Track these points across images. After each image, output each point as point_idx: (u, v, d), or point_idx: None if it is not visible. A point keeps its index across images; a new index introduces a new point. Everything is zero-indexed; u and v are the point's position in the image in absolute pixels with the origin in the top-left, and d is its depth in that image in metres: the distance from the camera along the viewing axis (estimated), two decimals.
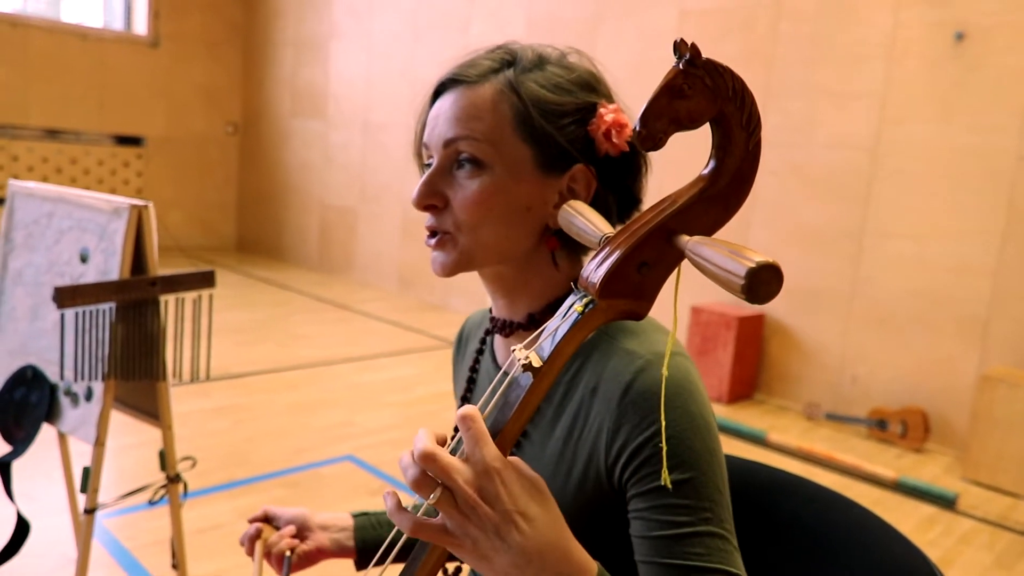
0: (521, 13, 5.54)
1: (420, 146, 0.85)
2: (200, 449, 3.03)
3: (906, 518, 3.01)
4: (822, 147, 4.14)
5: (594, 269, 0.61)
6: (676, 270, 0.61)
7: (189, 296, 1.73)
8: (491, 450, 0.56)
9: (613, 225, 0.81)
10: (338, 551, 1.02)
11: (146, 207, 1.64)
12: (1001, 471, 3.36)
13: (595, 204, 0.80)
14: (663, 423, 0.71)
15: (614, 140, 0.79)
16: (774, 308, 4.36)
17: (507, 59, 0.81)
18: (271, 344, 4.72)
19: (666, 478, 0.69)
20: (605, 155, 0.80)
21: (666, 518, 0.70)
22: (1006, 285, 3.60)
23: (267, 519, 1.03)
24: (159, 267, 1.67)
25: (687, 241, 0.57)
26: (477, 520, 0.55)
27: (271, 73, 7.77)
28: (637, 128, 0.57)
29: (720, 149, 0.59)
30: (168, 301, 1.69)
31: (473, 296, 5.86)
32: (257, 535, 1.00)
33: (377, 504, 2.75)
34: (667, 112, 0.57)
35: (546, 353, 0.60)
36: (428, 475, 0.55)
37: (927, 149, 3.81)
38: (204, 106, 7.84)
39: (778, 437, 3.65)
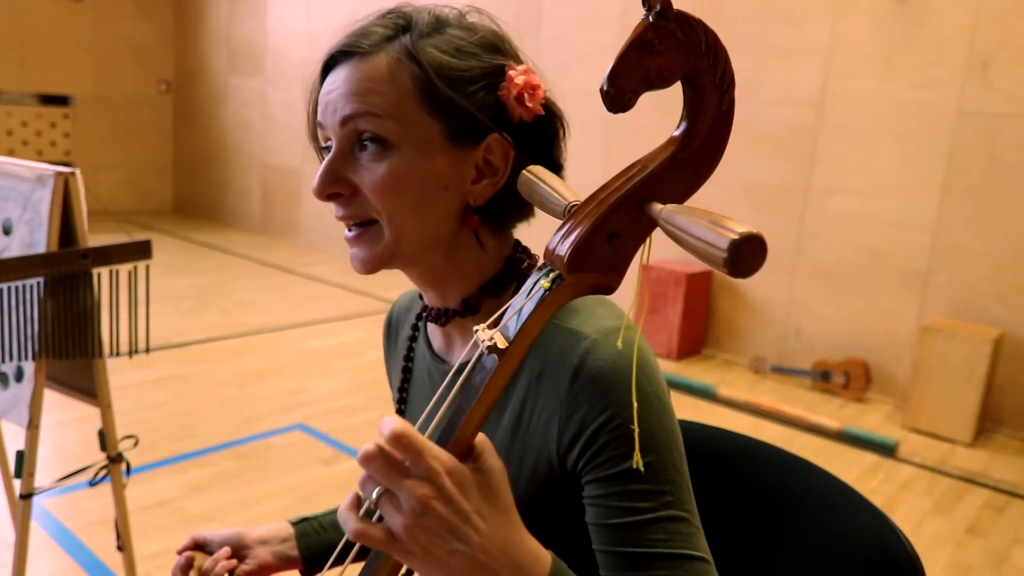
0: None
1: (315, 127, 0.78)
2: (142, 423, 2.94)
3: (849, 467, 3.11)
4: (769, 104, 4.15)
5: (560, 241, 0.56)
6: (647, 240, 0.58)
7: (124, 267, 1.64)
8: (434, 456, 0.52)
9: None
10: (282, 563, 0.95)
11: (73, 174, 1.54)
12: (939, 419, 3.48)
13: (515, 172, 0.74)
14: (628, 405, 0.67)
15: (528, 104, 0.73)
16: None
17: (401, 24, 0.74)
18: (214, 311, 4.59)
19: (638, 460, 0.66)
20: (519, 121, 0.74)
21: (625, 504, 0.67)
22: (944, 239, 3.69)
23: (197, 546, 0.93)
24: (91, 236, 1.58)
25: (660, 210, 0.53)
26: (429, 522, 0.51)
27: (205, 28, 7.44)
28: (604, 87, 0.53)
29: (692, 109, 0.56)
30: (101, 274, 1.60)
31: None
32: (189, 565, 0.90)
33: (331, 472, 2.71)
34: (636, 69, 0.53)
35: (511, 333, 0.56)
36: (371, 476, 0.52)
37: (871, 105, 3.85)
38: (134, 63, 7.49)
39: (727, 391, 3.71)
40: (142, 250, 1.66)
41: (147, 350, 1.78)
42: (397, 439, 0.51)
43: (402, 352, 0.91)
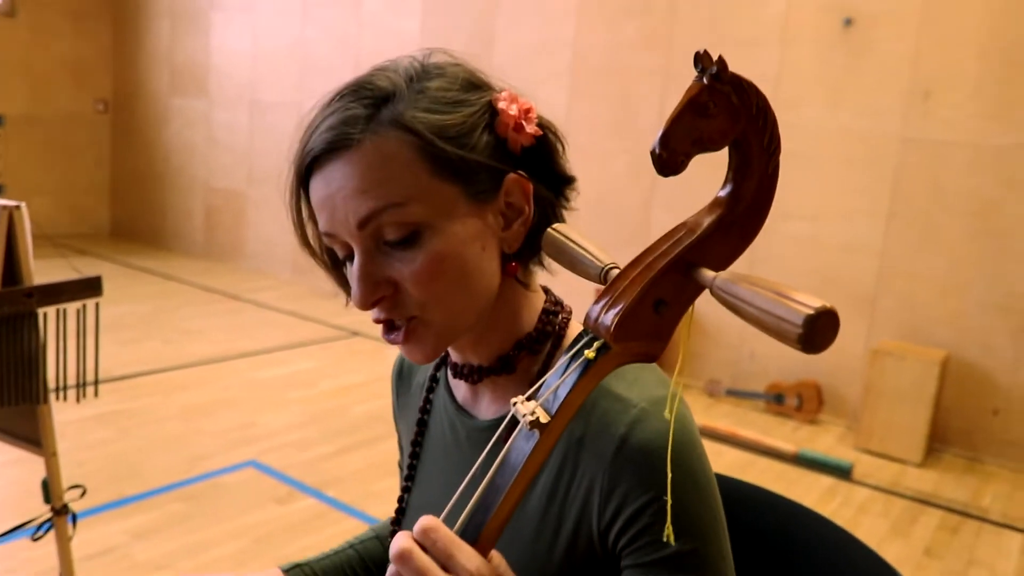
0: None
1: (309, 239, 0.73)
2: (83, 463, 2.79)
3: (808, 491, 3.13)
4: None
5: (604, 310, 0.54)
6: (691, 307, 0.55)
7: (72, 306, 1.54)
8: (467, 558, 0.49)
9: (559, 216, 0.74)
10: None
11: (18, 208, 1.44)
12: (890, 440, 3.54)
13: (536, 204, 0.71)
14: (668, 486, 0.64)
15: (527, 130, 0.69)
16: None
17: (379, 96, 0.67)
18: (156, 341, 4.42)
19: (669, 534, 0.63)
20: (522, 149, 0.70)
21: None
22: (891, 263, 3.78)
23: None
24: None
25: (713, 277, 0.51)
26: None
27: (145, 47, 7.24)
28: (656, 151, 0.50)
29: (738, 172, 0.54)
30: (47, 312, 1.50)
31: None
32: None
33: (287, 512, 2.61)
34: (690, 133, 0.51)
35: (553, 406, 0.53)
36: None
37: (819, 132, 3.94)
38: (70, 82, 7.23)
39: None
40: (92, 287, 1.57)
41: (96, 393, 1.68)
42: (426, 533, 0.49)
43: (418, 401, 0.86)
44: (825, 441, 3.69)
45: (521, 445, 0.53)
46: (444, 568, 0.48)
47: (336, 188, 0.66)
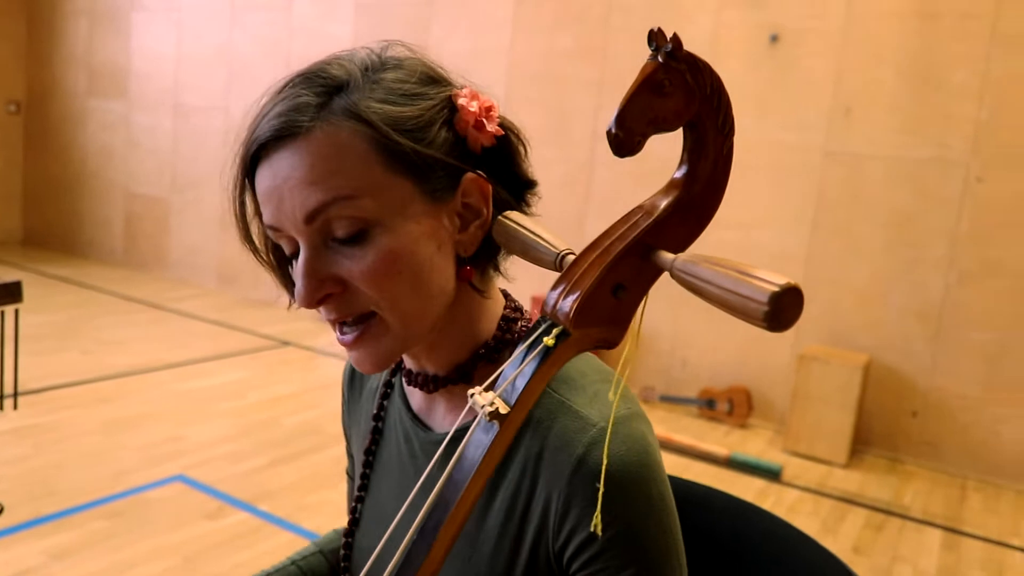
0: None
1: (252, 235, 0.69)
2: None
3: (742, 493, 3.18)
4: (655, 140, 4.28)
5: (562, 295, 0.52)
6: (648, 291, 0.54)
7: None
8: None
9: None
10: None
11: None
12: (817, 442, 3.66)
13: (495, 207, 0.68)
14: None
15: (488, 128, 0.66)
16: None
17: (332, 84, 0.64)
18: (74, 352, 4.22)
19: (597, 524, 0.61)
20: (482, 149, 0.67)
21: None
22: (816, 270, 3.91)
23: None
24: None
25: (672, 259, 0.51)
26: None
27: (61, 46, 6.94)
28: (612, 131, 0.50)
29: (693, 153, 0.54)
30: None
31: None
32: None
33: (218, 527, 2.51)
34: (646, 112, 0.51)
35: (512, 396, 0.51)
36: None
37: (748, 143, 4.05)
38: None
39: None
40: (12, 293, 1.48)
41: (15, 405, 1.58)
42: None
43: (370, 407, 0.83)
44: (755, 444, 3.78)
45: (480, 438, 0.51)
46: None
47: (283, 179, 0.62)
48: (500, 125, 0.68)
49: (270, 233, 0.66)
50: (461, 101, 0.66)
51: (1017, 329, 3.48)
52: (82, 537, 2.37)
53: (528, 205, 0.72)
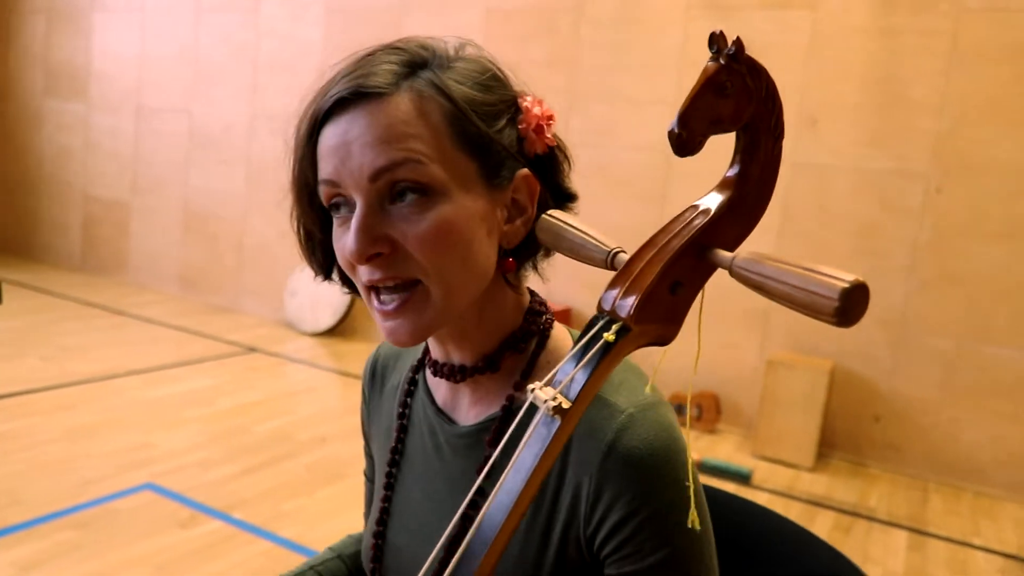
0: (319, 0, 5.26)
1: (305, 182, 0.69)
2: None
3: None
4: (623, 149, 4.35)
5: (622, 293, 0.54)
6: (703, 288, 0.56)
7: None
8: None
9: None
10: None
11: None
12: (784, 446, 3.72)
13: (538, 209, 0.71)
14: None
15: (546, 135, 0.70)
16: (580, 302, 4.51)
17: (414, 59, 0.67)
18: (33, 358, 4.10)
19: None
20: (535, 154, 0.70)
21: None
22: None
23: None
24: None
25: (730, 257, 0.52)
26: None
27: (16, 45, 6.76)
28: (675, 130, 0.51)
29: (746, 153, 0.55)
30: None
31: (267, 296, 5.49)
32: None
33: (191, 536, 2.46)
34: (708, 112, 0.52)
35: (572, 391, 0.52)
36: None
37: (715, 155, 4.11)
38: None
39: None
40: None
41: None
42: None
43: (392, 406, 0.83)
44: (724, 449, 3.83)
45: (541, 433, 0.52)
46: None
47: (355, 135, 0.64)
48: (553, 136, 0.71)
49: (323, 187, 0.67)
50: (526, 104, 0.69)
51: (973, 336, 3.59)
52: (50, 548, 2.30)
53: None
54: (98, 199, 6.36)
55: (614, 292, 0.54)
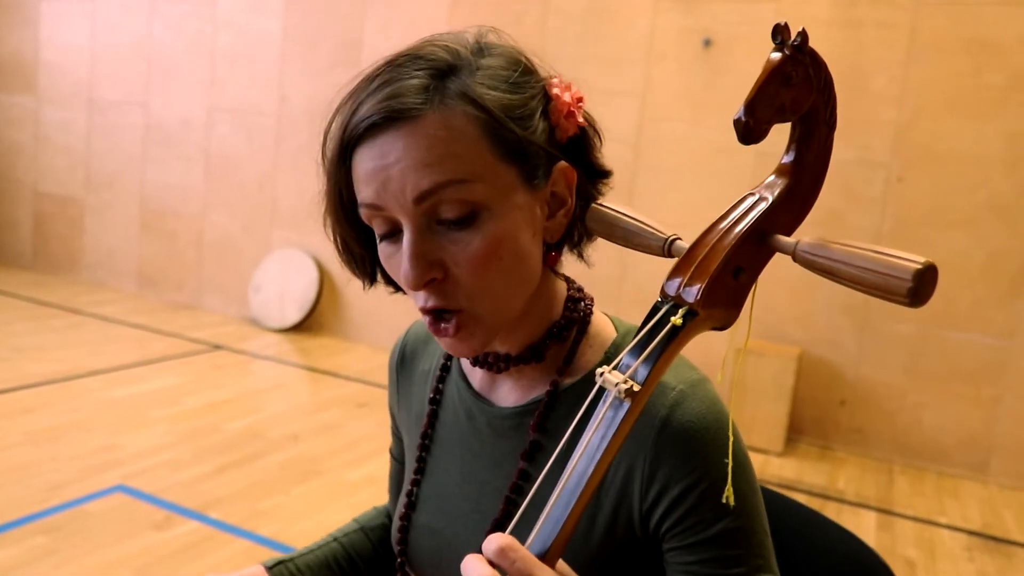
0: None
1: (340, 201, 0.68)
2: None
3: None
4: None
5: (688, 278, 0.55)
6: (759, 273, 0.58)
7: None
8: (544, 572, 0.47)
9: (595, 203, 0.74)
10: None
11: None
12: (755, 432, 3.79)
13: (577, 196, 0.71)
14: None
15: (578, 118, 0.69)
16: None
17: (439, 66, 0.64)
18: None
19: (729, 495, 0.64)
20: (567, 139, 0.69)
21: (720, 572, 0.64)
22: None
23: None
24: None
25: (794, 242, 0.54)
26: None
27: None
28: (742, 119, 0.52)
29: (802, 142, 0.57)
30: None
31: (230, 292, 5.39)
32: None
33: (168, 538, 2.41)
34: (774, 100, 0.53)
35: (641, 374, 0.53)
36: None
37: (682, 145, 4.17)
38: None
39: None
40: None
41: None
42: (503, 553, 0.46)
43: (423, 391, 0.83)
44: None
45: (610, 416, 0.52)
46: None
47: (394, 159, 0.62)
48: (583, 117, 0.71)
49: (366, 211, 0.65)
50: (555, 91, 0.68)
51: (935, 321, 3.70)
52: (22, 554, 2.23)
53: (601, 194, 0.74)
54: (49, 195, 6.17)
55: (679, 278, 0.55)
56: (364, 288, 0.75)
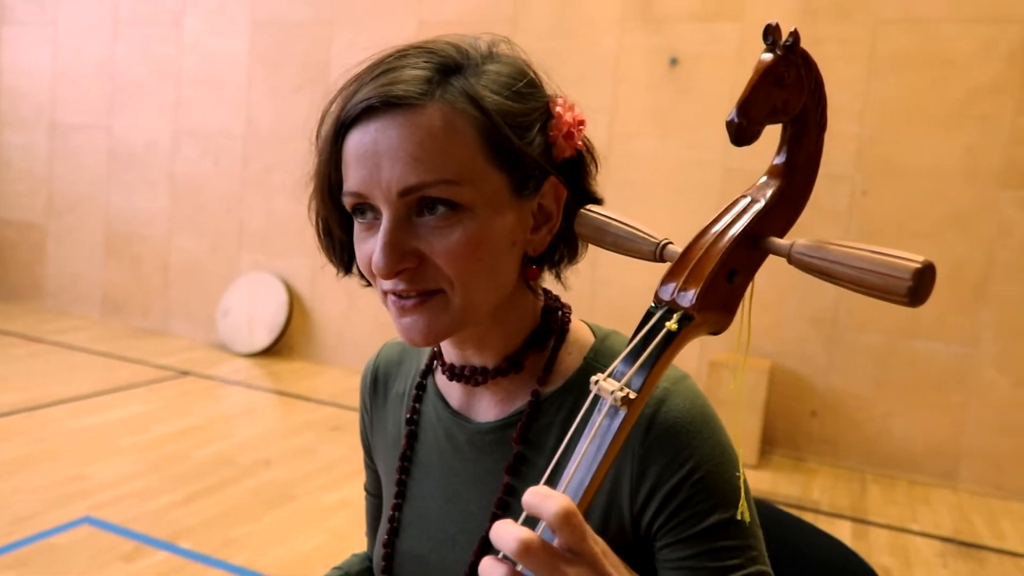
0: (244, 13, 5.13)
1: (328, 182, 0.67)
2: None
3: None
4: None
5: (683, 283, 0.54)
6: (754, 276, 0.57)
7: None
8: (595, 540, 0.48)
9: None
10: None
11: None
12: None
13: (564, 215, 0.70)
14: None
15: (576, 140, 0.69)
16: None
17: (446, 62, 0.64)
18: None
19: (743, 511, 0.64)
20: (562, 159, 0.70)
21: (715, 565, 0.64)
22: None
23: None
24: None
25: (789, 244, 0.54)
26: None
27: None
28: (735, 120, 0.52)
29: (793, 143, 0.57)
30: None
31: (198, 317, 5.30)
32: None
33: (136, 570, 2.35)
34: (767, 102, 0.53)
35: (636, 381, 0.52)
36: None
37: (651, 162, 4.21)
38: None
39: None
40: None
41: None
42: (567, 519, 0.45)
43: (398, 414, 0.81)
44: None
45: (606, 424, 0.51)
46: (576, 552, 0.46)
47: (386, 147, 0.61)
48: (583, 140, 0.71)
49: (347, 197, 0.65)
50: (558, 110, 0.68)
51: (902, 332, 3.76)
52: None
53: None
54: (9, 222, 6.04)
55: (673, 283, 0.54)
56: (337, 276, 0.74)
